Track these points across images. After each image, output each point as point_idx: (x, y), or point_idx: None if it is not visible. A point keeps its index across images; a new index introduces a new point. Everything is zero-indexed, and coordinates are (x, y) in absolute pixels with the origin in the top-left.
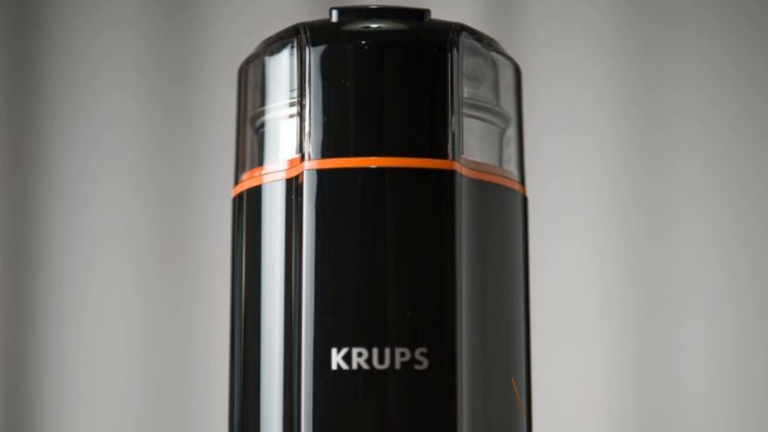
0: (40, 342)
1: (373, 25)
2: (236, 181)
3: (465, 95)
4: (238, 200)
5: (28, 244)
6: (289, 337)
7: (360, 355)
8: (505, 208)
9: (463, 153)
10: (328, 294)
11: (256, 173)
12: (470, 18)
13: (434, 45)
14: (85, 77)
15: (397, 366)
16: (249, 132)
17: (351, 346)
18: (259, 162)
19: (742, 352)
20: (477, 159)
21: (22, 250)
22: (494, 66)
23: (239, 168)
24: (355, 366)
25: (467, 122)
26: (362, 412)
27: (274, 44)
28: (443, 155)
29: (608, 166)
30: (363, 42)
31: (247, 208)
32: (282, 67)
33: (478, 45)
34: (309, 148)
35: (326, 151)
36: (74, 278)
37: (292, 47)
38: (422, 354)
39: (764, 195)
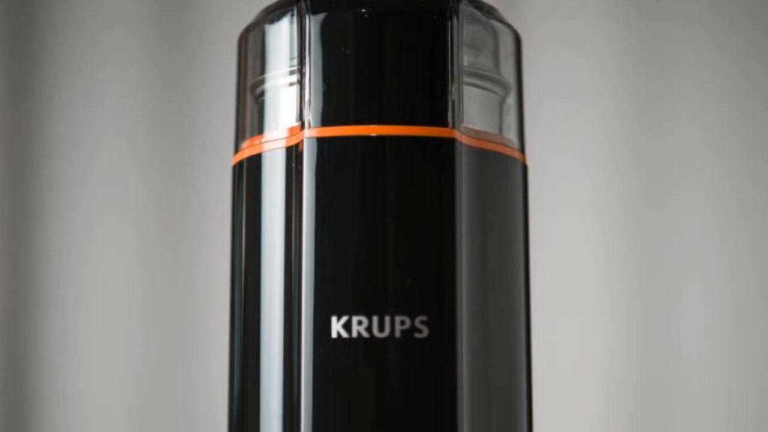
0: (40, 309)
1: None
2: (236, 149)
3: (465, 63)
4: (237, 168)
5: (28, 213)
6: (289, 305)
7: (360, 323)
8: (505, 176)
9: (463, 121)
10: (328, 262)
11: (256, 141)
12: None
13: (434, 13)
14: (85, 47)
15: (397, 334)
16: (249, 100)
17: (351, 314)
18: (259, 130)
19: (742, 319)
20: (477, 127)
21: (22, 220)
22: (494, 34)
23: (239, 136)
24: (355, 334)
25: (467, 90)
26: (362, 380)
27: (274, 12)
28: (443, 123)
29: (608, 134)
30: (363, 10)
31: (247, 176)
32: (282, 35)
33: (478, 13)
34: (309, 116)
35: (326, 119)
36: (74, 247)
37: (292, 15)
38: (422, 322)
39: (764, 163)
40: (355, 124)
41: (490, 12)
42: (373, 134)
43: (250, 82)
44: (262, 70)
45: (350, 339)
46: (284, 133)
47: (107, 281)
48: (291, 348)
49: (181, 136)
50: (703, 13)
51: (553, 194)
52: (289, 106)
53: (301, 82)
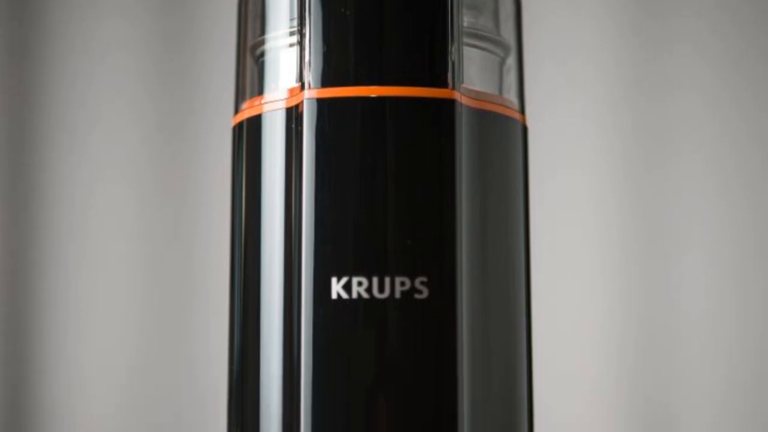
0: (38, 268)
1: None
2: (236, 110)
3: (465, 24)
4: (237, 129)
5: (27, 172)
6: (288, 266)
7: (360, 284)
8: (505, 137)
9: (463, 82)
10: (327, 223)
11: (256, 102)
12: None
13: None
14: (85, 5)
15: (397, 295)
16: (249, 61)
17: (351, 275)
18: (259, 91)
19: (742, 279)
20: (477, 88)
21: (22, 178)
22: None
23: (239, 97)
24: (355, 295)
25: (467, 51)
26: (362, 341)
27: None
28: (443, 84)
29: (608, 96)
30: None
31: (247, 137)
32: None
33: None
34: (309, 77)
35: (326, 80)
36: (74, 206)
37: None
38: (422, 283)
39: (765, 123)
40: (355, 85)
41: None
42: (373, 95)
43: (250, 42)
44: (262, 30)
45: (350, 300)
46: (284, 94)
47: (107, 241)
48: (291, 309)
49: (182, 97)
50: None
51: (553, 156)
52: (289, 67)
53: (301, 43)
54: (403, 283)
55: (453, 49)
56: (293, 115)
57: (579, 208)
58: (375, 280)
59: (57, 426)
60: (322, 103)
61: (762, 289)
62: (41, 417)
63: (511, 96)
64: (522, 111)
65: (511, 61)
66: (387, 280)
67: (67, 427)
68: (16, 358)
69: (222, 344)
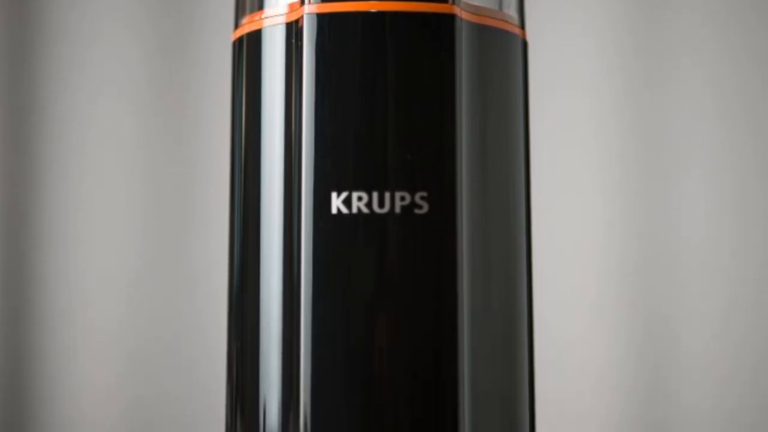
0: (39, 190)
1: None
2: (236, 25)
3: None
4: (237, 44)
5: (27, 93)
6: (289, 181)
7: (360, 199)
8: (506, 51)
9: None
10: (328, 138)
11: (256, 17)
12: None
13: None
14: None
15: (397, 210)
16: None
17: (351, 190)
18: (259, 6)
19: (742, 198)
20: (477, 2)
21: (22, 100)
22: None
23: (239, 12)
24: (355, 210)
25: None
26: (362, 255)
27: None
28: None
29: (608, 13)
30: None
31: (247, 53)
32: None
33: None
34: None
35: None
36: (73, 125)
37: None
38: (422, 198)
39: (764, 42)
40: (355, 0)
41: None
42: (373, 10)
43: None
44: None
45: (350, 215)
46: (284, 9)
47: (107, 160)
48: (291, 224)
49: (182, 12)
50: None
51: (553, 74)
52: None
53: None
54: (403, 198)
55: None
56: (293, 30)
57: (579, 125)
58: (375, 195)
59: (57, 337)
60: (322, 18)
61: (762, 208)
62: (42, 327)
63: (511, 11)
64: (522, 26)
65: None
66: (387, 195)
67: (68, 340)
68: (15, 267)
69: (222, 259)
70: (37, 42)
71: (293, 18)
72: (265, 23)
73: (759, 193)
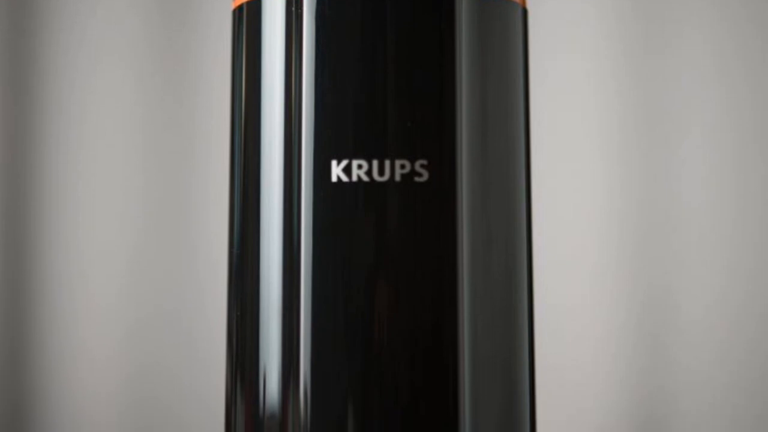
0: (38, 160)
1: None
2: None
3: None
4: (238, 12)
5: (26, 59)
6: (289, 149)
7: (360, 167)
8: (505, 19)
9: None
10: (328, 106)
11: None
12: None
13: None
14: None
15: (397, 178)
16: None
17: (351, 158)
18: None
19: (742, 165)
20: None
21: (21, 66)
22: None
23: None
24: (355, 178)
25: None
26: (362, 224)
27: None
28: None
29: None
30: None
31: (247, 21)
32: None
33: None
34: None
35: None
36: (74, 92)
37: None
38: (422, 166)
39: (764, 6)
40: None
41: None
42: None
43: None
44: None
45: (350, 183)
46: None
47: (106, 127)
48: (291, 192)
49: None
50: None
51: (553, 39)
52: None
53: None
54: (403, 166)
55: None
56: None
57: (579, 91)
58: (375, 163)
59: (57, 309)
60: None
61: (762, 174)
62: (42, 299)
63: None
64: None
65: None
66: (387, 163)
67: (68, 311)
68: (14, 238)
69: (222, 229)
70: (37, 8)
71: None
72: None
73: (759, 158)
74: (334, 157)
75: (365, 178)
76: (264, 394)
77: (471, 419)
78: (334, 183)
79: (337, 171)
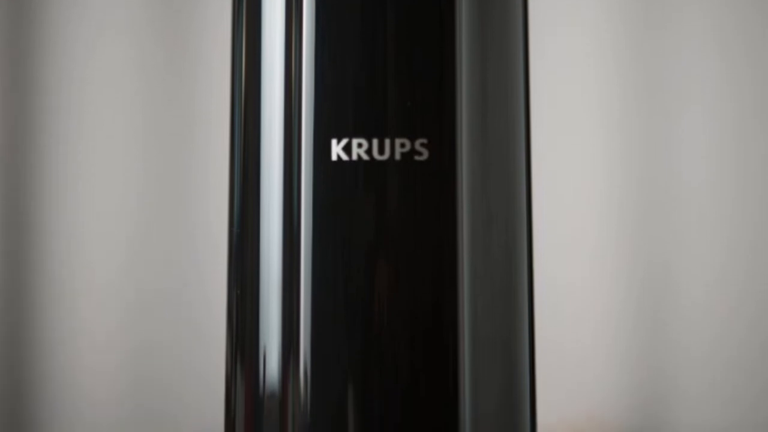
0: (40, 133)
1: None
2: None
3: None
4: None
5: (26, 31)
6: (289, 127)
7: (360, 146)
8: None
9: None
10: (328, 85)
11: None
12: None
13: None
14: None
15: (397, 157)
16: None
17: (351, 136)
18: None
19: (742, 141)
20: None
21: (21, 39)
22: None
23: None
24: (355, 157)
25: None
26: (362, 202)
27: None
28: None
29: None
30: None
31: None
32: None
33: None
34: None
35: None
36: (74, 67)
37: None
38: (422, 145)
39: None
40: None
41: None
42: None
43: None
44: None
45: (350, 161)
46: None
47: (107, 104)
48: (291, 171)
49: None
50: None
51: (553, 14)
52: None
53: None
54: (403, 145)
55: None
56: None
57: (579, 67)
58: (375, 141)
59: (57, 286)
60: None
61: (762, 150)
62: (42, 277)
63: None
64: None
65: None
66: (387, 141)
67: (68, 289)
68: (14, 216)
69: (222, 207)
70: None
71: None
72: None
73: (759, 134)
74: (334, 136)
75: (365, 157)
76: (264, 373)
77: (471, 399)
78: (334, 162)
79: (337, 150)
